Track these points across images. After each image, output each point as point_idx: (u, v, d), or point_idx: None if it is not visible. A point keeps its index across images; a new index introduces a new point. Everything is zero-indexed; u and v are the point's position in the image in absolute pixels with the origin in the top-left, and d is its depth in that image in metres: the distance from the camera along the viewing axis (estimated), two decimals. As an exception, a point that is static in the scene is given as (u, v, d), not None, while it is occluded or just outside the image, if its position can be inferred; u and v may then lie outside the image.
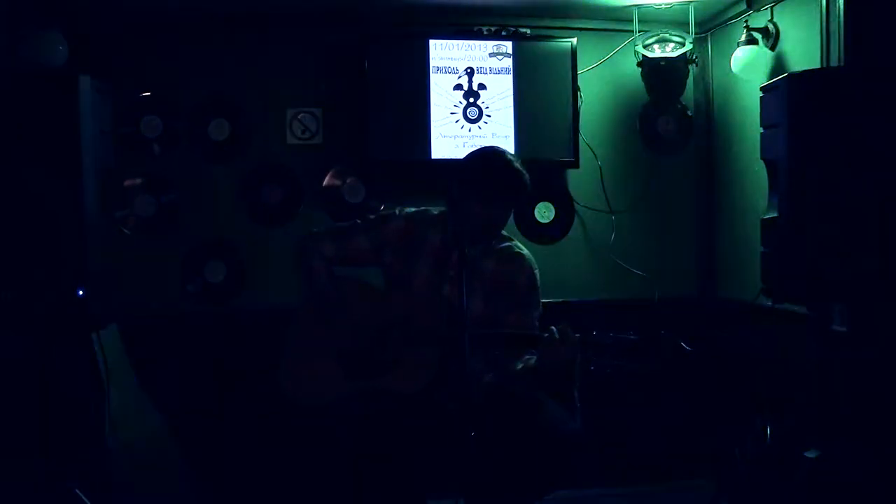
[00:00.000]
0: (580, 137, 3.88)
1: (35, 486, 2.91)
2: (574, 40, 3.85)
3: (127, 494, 2.97)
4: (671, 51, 3.90)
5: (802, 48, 3.30)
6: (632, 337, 2.50)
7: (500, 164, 2.69)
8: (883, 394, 2.89)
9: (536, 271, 2.85)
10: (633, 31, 3.88)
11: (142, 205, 3.69)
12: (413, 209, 2.92)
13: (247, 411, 3.68)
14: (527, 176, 2.69)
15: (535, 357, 2.62)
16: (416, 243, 2.84)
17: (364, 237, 2.86)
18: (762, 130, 2.80)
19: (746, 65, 3.50)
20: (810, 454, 2.72)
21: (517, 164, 2.69)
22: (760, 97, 2.81)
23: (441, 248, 2.83)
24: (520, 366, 2.69)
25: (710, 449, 3.89)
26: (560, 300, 3.83)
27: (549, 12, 3.89)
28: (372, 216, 2.92)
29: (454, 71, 3.79)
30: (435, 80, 3.77)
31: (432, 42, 3.77)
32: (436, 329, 2.68)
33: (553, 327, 2.55)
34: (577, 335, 2.52)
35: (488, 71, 3.81)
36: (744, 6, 3.66)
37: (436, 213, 2.90)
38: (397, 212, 2.91)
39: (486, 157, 2.75)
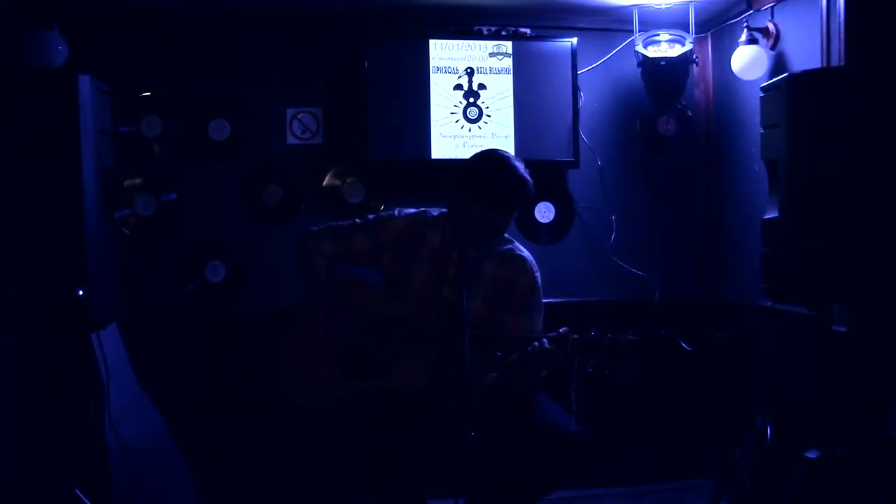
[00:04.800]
0: (580, 137, 3.88)
1: (35, 486, 2.91)
2: (574, 40, 3.85)
3: (127, 494, 2.97)
4: (671, 51, 3.90)
5: (802, 48, 3.30)
6: (630, 337, 2.50)
7: (505, 170, 2.67)
8: (883, 394, 2.89)
9: (537, 274, 2.85)
10: (633, 31, 3.88)
11: (142, 205, 3.69)
12: (412, 210, 2.92)
13: (247, 411, 3.69)
14: (530, 182, 2.68)
15: (517, 354, 2.62)
16: (414, 244, 2.84)
17: (363, 237, 2.86)
18: (762, 130, 2.80)
19: (746, 65, 3.50)
20: (810, 454, 2.72)
21: (521, 170, 2.68)
22: (760, 97, 2.81)
23: (440, 250, 2.83)
24: (510, 359, 2.69)
25: (710, 449, 3.90)
26: (560, 300, 3.83)
27: (549, 12, 3.89)
28: (371, 216, 2.92)
29: (454, 71, 3.79)
30: (435, 80, 3.77)
31: (432, 42, 3.77)
32: (435, 329, 2.68)
33: (535, 343, 2.54)
34: (576, 336, 2.53)
35: (488, 71, 3.81)
36: (744, 6, 3.66)
37: (435, 213, 2.90)
38: (396, 213, 2.91)
39: (491, 162, 2.72)
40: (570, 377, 3.52)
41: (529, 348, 2.54)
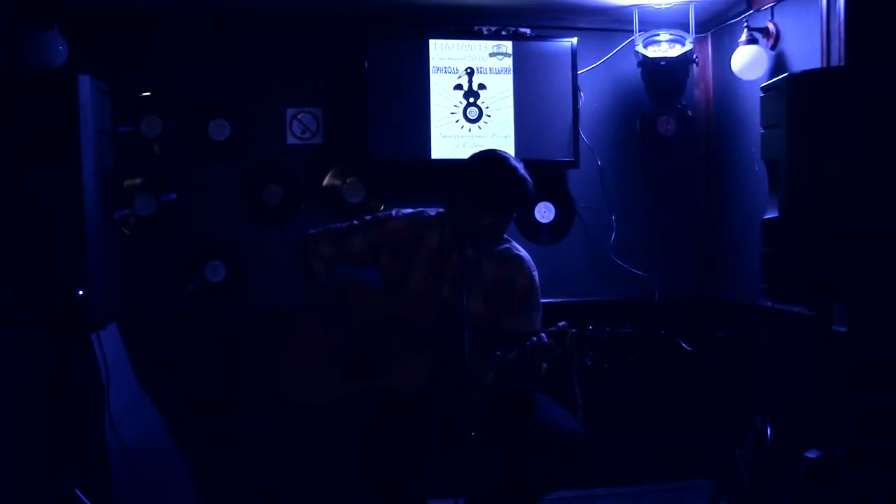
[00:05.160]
0: (580, 137, 3.89)
1: (35, 486, 2.91)
2: (574, 40, 3.85)
3: (127, 494, 2.97)
4: (671, 51, 3.90)
5: (802, 48, 3.30)
6: (628, 331, 2.51)
7: (505, 170, 2.67)
8: (883, 394, 2.89)
9: (535, 273, 2.86)
10: (633, 31, 3.88)
11: (142, 205, 3.69)
12: (410, 210, 2.93)
13: (247, 411, 3.69)
14: (531, 182, 2.69)
15: (516, 351, 2.62)
16: (412, 244, 2.84)
17: (361, 238, 2.86)
18: (762, 130, 2.80)
19: (746, 65, 3.51)
20: (810, 454, 2.72)
21: (522, 171, 2.68)
22: (760, 97, 2.81)
23: (439, 250, 2.83)
24: (510, 357, 2.69)
25: (710, 449, 3.90)
26: (560, 300, 3.83)
27: (549, 12, 3.89)
28: (369, 217, 2.93)
29: (454, 71, 3.79)
30: (435, 80, 3.77)
31: (432, 42, 3.77)
32: (434, 329, 2.68)
33: (534, 338, 2.55)
34: (574, 331, 2.53)
35: (488, 71, 3.81)
36: (744, 6, 3.66)
37: (433, 213, 2.90)
38: (394, 213, 2.91)
39: (491, 162, 2.72)
40: (570, 372, 3.52)
41: (528, 343, 2.55)
